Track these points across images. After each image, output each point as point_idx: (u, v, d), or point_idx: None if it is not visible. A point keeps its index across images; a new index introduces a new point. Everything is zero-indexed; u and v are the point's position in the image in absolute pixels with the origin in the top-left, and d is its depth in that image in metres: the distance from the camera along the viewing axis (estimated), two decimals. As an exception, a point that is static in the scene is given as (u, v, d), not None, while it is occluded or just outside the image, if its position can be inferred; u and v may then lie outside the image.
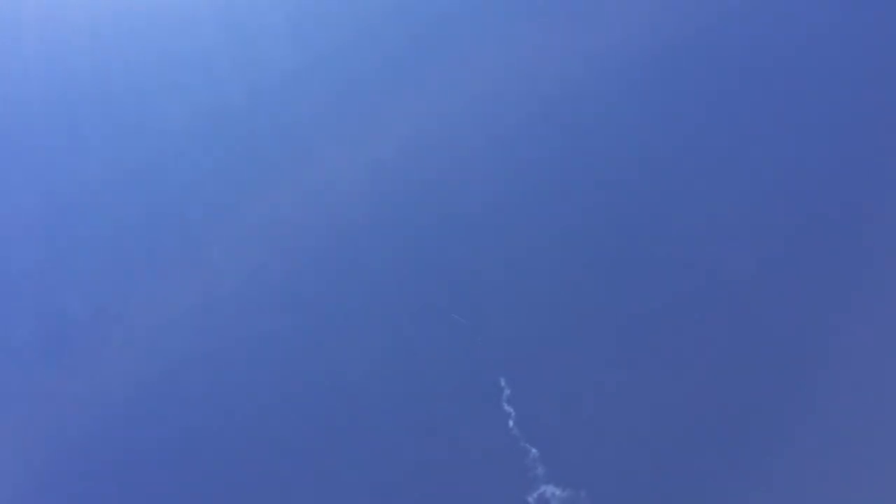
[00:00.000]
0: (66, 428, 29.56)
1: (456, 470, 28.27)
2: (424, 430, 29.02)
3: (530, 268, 30.91)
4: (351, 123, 33.19)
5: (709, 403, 27.89)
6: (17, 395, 30.38)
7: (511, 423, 28.39)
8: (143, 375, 30.29)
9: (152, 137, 33.61)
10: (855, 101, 31.23)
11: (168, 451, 29.46)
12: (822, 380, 27.76)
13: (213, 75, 34.06)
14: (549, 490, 27.18)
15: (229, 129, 33.59)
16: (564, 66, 32.67)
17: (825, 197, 30.20)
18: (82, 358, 30.61)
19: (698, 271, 29.77)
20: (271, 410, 29.83)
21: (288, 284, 31.50)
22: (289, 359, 30.49)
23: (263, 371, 30.44)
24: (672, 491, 26.88)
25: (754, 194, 30.54)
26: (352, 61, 33.99)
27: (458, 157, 32.55)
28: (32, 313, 31.46)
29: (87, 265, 32.12)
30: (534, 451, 27.92)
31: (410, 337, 30.34)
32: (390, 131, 32.85)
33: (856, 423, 27.06)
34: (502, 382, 28.94)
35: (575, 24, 33.19)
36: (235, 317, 31.14)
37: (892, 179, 30.02)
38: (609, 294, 30.22)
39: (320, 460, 29.09)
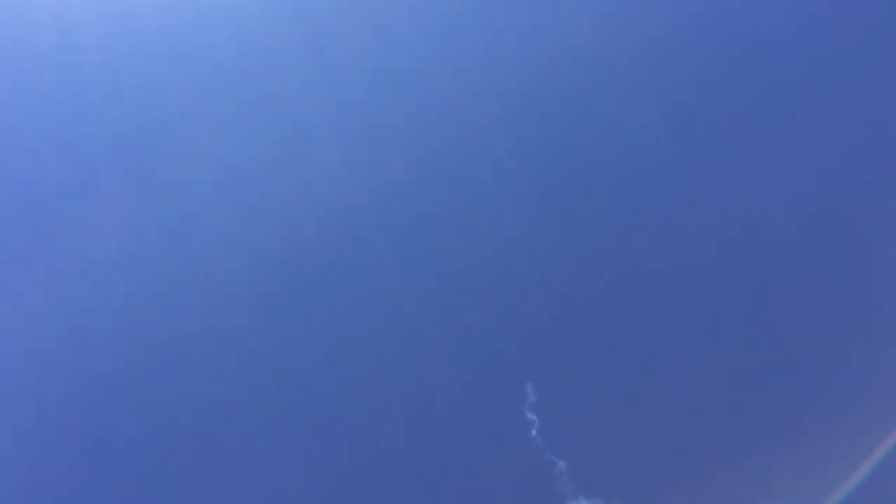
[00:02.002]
0: (43, 423, 27.80)
1: (475, 481, 26.22)
2: (440, 441, 26.93)
3: (559, 269, 29.14)
4: (353, 115, 31.81)
5: (743, 410, 26.16)
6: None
7: (534, 432, 26.30)
8: (131, 365, 28.39)
9: (150, 133, 32.15)
10: (859, 94, 30.00)
11: (158, 451, 27.50)
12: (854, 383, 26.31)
13: (214, 65, 32.83)
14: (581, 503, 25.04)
15: (229, 116, 32.15)
16: (568, 52, 31.31)
17: (829, 195, 28.89)
18: (62, 345, 28.84)
19: (725, 274, 28.30)
20: (269, 415, 27.82)
21: (289, 281, 29.65)
22: (289, 360, 28.57)
23: (262, 374, 28.46)
24: (707, 497, 25.09)
25: (765, 192, 29.15)
26: (350, 55, 32.49)
27: (472, 152, 31.00)
28: (27, 306, 29.48)
29: (84, 260, 30.27)
30: (561, 463, 25.77)
31: (425, 340, 28.37)
32: (397, 125, 31.44)
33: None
34: (528, 389, 26.90)
35: (570, 20, 32.01)
36: (233, 315, 29.21)
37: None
38: (643, 300, 28.39)
39: (325, 472, 26.96)
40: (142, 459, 27.49)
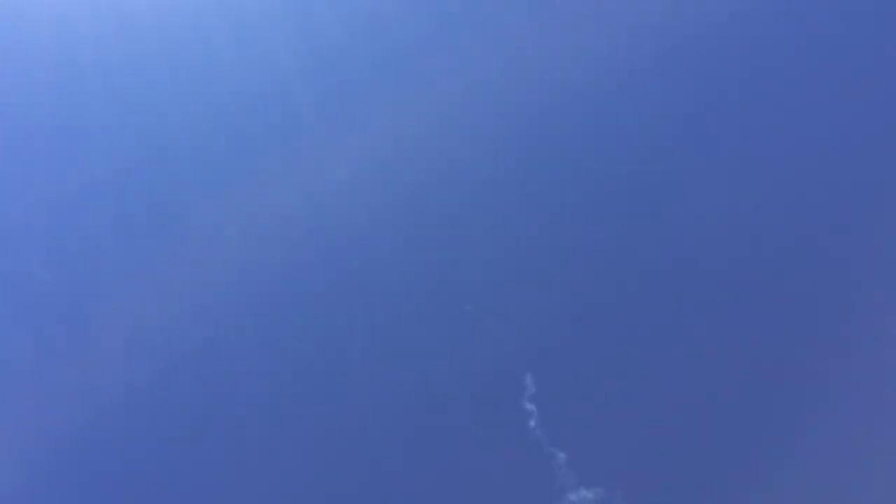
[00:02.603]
0: (60, 427, 27.86)
1: (475, 475, 25.84)
2: (437, 434, 26.56)
3: (561, 261, 28.81)
4: (356, 117, 31.84)
5: (742, 401, 25.68)
6: (12, 394, 28.75)
7: (533, 423, 25.99)
8: (138, 374, 28.50)
9: (152, 134, 32.48)
10: (858, 99, 29.72)
11: (163, 453, 27.41)
12: (845, 379, 25.92)
13: (212, 72, 33.11)
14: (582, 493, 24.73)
15: (227, 126, 32.40)
16: (565, 64, 31.41)
17: (828, 195, 28.59)
18: (77, 356, 28.92)
19: (729, 269, 27.89)
20: (271, 414, 27.67)
21: (290, 282, 29.61)
22: (290, 360, 28.46)
23: (264, 372, 28.33)
24: (708, 485, 24.63)
25: (765, 191, 28.98)
26: (351, 59, 32.87)
27: (472, 153, 30.86)
28: (29, 310, 30.06)
29: (86, 261, 30.71)
30: (561, 455, 25.44)
31: (425, 334, 28.10)
32: (401, 123, 31.37)
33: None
34: (528, 380, 26.62)
35: (574, 24, 32.10)
36: (236, 316, 29.26)
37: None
38: (644, 294, 27.98)
39: (325, 467, 26.67)
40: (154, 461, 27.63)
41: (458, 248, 29.56)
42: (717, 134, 30.28)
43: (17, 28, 34.67)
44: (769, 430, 25.17)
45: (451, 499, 25.73)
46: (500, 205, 30.08)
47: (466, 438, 26.20)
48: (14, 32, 34.70)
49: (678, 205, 29.17)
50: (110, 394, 28.25)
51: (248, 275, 29.89)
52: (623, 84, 31.22)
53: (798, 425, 25.10)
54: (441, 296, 28.60)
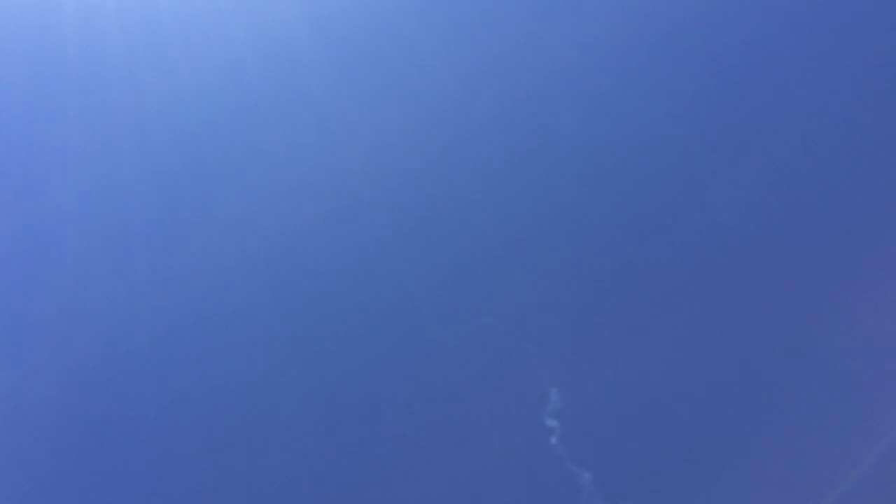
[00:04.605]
0: (24, 421, 26.66)
1: (492, 496, 24.44)
2: (455, 452, 25.15)
3: (587, 271, 27.69)
4: (365, 113, 31.00)
5: (776, 420, 24.25)
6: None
7: (555, 439, 24.63)
8: (122, 373, 27.30)
9: (152, 129, 31.39)
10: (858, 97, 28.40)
11: (144, 456, 26.06)
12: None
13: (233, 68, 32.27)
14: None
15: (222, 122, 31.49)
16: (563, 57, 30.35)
17: (829, 196, 27.34)
18: (46, 351, 27.69)
19: (765, 283, 26.49)
20: (272, 423, 26.39)
21: (293, 282, 28.57)
22: (291, 364, 27.17)
23: (262, 381, 27.08)
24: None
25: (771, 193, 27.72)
26: (347, 55, 32.11)
27: (490, 153, 29.88)
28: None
29: (74, 255, 29.40)
30: (586, 474, 24.04)
31: (440, 345, 26.91)
32: (414, 126, 30.46)
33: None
34: (552, 394, 25.33)
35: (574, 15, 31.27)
36: (235, 317, 28.09)
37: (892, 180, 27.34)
38: (677, 308, 26.52)
39: (338, 480, 25.45)
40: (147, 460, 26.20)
41: (480, 256, 28.43)
42: (727, 141, 28.99)
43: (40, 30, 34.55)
44: (804, 446, 23.86)
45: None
46: (525, 213, 29.03)
47: (483, 455, 24.79)
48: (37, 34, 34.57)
49: (712, 214, 27.97)
50: (80, 398, 27.05)
51: (261, 272, 28.70)
52: (631, 80, 30.18)
53: (827, 433, 23.97)
54: (460, 305, 27.57)
